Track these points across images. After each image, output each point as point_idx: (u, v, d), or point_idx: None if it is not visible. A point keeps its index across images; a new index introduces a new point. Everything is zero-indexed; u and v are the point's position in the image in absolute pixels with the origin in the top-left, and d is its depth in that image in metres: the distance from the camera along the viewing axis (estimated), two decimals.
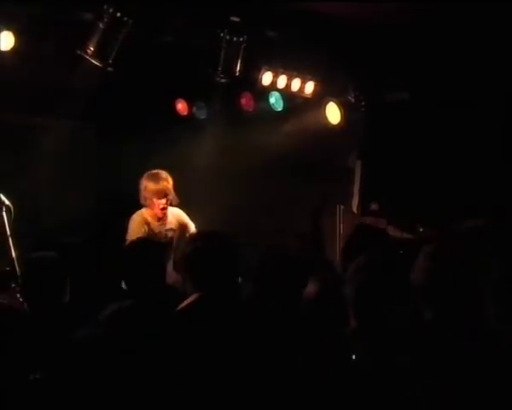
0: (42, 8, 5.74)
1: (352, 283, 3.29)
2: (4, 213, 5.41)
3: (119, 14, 5.78)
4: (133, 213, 6.51)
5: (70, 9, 5.85)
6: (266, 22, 6.34)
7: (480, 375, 2.92)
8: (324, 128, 7.37)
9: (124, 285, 4.60)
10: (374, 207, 7.34)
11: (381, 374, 3.01)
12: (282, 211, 7.98)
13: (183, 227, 6.61)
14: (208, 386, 3.23)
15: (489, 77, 6.25)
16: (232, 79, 6.57)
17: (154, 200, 6.38)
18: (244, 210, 7.94)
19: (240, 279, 3.99)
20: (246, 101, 7.87)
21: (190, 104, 8.37)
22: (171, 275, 5.78)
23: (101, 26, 5.79)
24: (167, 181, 6.41)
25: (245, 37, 6.35)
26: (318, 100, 7.40)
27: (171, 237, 6.57)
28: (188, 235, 6.31)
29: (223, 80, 6.58)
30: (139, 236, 6.10)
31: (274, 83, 7.21)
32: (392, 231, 7.11)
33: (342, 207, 7.72)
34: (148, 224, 6.44)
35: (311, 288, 4.00)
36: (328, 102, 7.29)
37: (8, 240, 5.33)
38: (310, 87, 7.37)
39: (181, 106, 8.37)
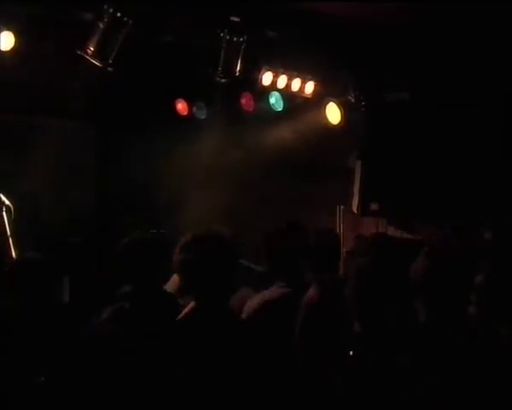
0: (42, 8, 5.73)
1: (353, 284, 3.29)
2: (4, 213, 5.42)
3: (119, 14, 5.78)
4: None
5: (70, 9, 5.84)
6: (266, 22, 6.34)
7: (479, 375, 2.93)
8: (324, 128, 7.36)
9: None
10: (374, 207, 7.33)
11: (381, 374, 3.01)
12: (281, 211, 7.98)
13: None
14: (208, 386, 3.22)
15: (489, 77, 6.25)
16: (232, 79, 6.56)
17: None
18: (244, 210, 7.94)
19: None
20: (246, 101, 7.87)
21: (190, 104, 8.38)
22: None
23: (101, 26, 5.79)
24: None
25: (245, 37, 6.35)
26: (318, 100, 7.40)
27: None
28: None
29: (223, 80, 6.57)
30: None
31: (274, 83, 7.21)
32: (393, 232, 7.12)
33: (342, 207, 7.72)
34: None
35: (311, 292, 4.00)
36: (328, 102, 7.29)
37: (8, 240, 5.33)
38: (310, 87, 7.37)
39: (181, 106, 8.37)
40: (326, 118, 7.33)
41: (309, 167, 7.85)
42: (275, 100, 7.76)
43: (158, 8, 5.99)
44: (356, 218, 7.50)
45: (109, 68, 5.95)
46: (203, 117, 8.36)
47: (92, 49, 5.82)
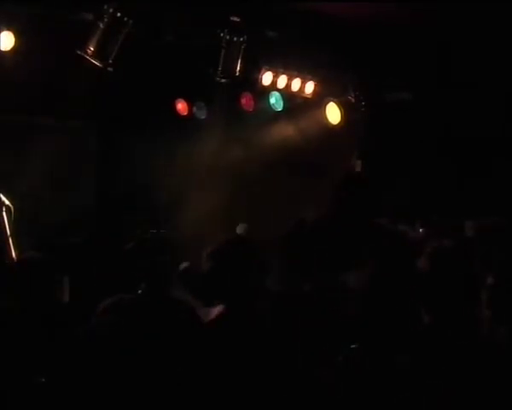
0: (42, 8, 5.74)
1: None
2: (4, 213, 5.41)
3: (119, 14, 5.78)
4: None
5: (70, 9, 5.85)
6: (266, 22, 6.34)
7: (479, 375, 2.92)
8: (324, 128, 7.36)
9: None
10: None
11: (381, 374, 3.01)
12: (281, 211, 7.97)
13: None
14: (237, 387, 3.24)
15: (489, 77, 6.25)
16: (232, 79, 6.56)
17: None
18: (244, 210, 7.94)
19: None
20: (246, 101, 7.87)
21: (190, 104, 8.38)
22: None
23: (101, 26, 5.79)
24: None
25: (245, 37, 6.35)
26: (318, 100, 7.40)
27: None
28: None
29: (223, 80, 6.57)
30: None
31: (274, 83, 7.22)
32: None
33: None
34: None
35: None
36: (328, 102, 7.29)
37: (8, 240, 5.33)
38: (310, 87, 7.37)
39: (181, 106, 8.37)
40: (326, 118, 7.33)
41: (309, 167, 7.85)
42: (275, 100, 7.76)
43: (158, 8, 5.99)
44: None
45: (109, 68, 5.95)
46: (203, 117, 8.36)
47: (92, 49, 5.82)
